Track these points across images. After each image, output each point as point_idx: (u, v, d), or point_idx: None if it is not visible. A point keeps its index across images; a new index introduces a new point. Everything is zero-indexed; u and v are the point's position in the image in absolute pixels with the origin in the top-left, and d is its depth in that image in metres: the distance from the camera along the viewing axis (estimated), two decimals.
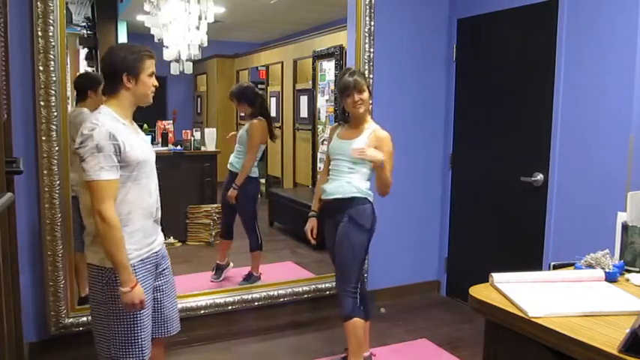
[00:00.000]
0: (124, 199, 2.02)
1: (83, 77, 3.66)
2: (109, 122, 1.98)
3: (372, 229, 2.76)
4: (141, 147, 2.07)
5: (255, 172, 3.96)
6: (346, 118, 2.83)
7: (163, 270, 2.24)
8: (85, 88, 3.42)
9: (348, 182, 2.72)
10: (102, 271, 2.03)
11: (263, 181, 7.49)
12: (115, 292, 2.01)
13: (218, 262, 4.09)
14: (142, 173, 2.06)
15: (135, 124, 2.16)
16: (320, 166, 6.31)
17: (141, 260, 2.08)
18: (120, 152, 1.96)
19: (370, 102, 2.83)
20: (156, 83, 2.11)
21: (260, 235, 4.02)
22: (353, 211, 2.71)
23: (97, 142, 1.92)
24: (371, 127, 2.78)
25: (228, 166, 4.03)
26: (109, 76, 2.07)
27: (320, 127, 6.34)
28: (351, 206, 2.72)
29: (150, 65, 2.08)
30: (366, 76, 2.82)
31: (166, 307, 2.25)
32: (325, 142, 6.17)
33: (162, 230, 2.29)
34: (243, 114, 4.13)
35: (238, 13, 6.61)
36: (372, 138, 2.72)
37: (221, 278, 4.03)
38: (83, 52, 6.46)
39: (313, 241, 2.91)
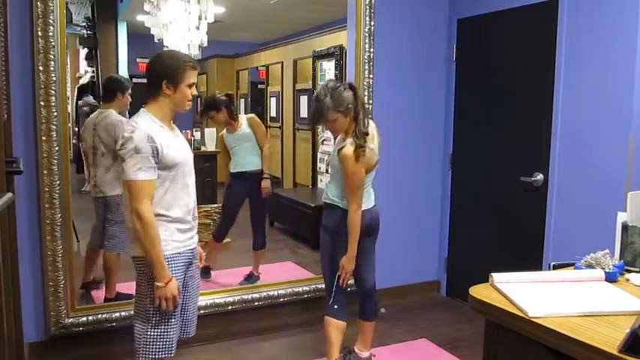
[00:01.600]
0: (163, 198, 2.11)
1: (112, 80, 3.76)
2: (148, 125, 2.08)
3: None
4: (179, 148, 2.16)
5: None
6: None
7: (193, 269, 2.29)
8: (113, 90, 3.56)
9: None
10: (145, 261, 2.11)
11: None
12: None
13: (209, 264, 4.01)
14: (180, 173, 2.15)
15: (175, 126, 2.25)
16: (320, 166, 6.31)
17: (177, 254, 2.16)
18: (158, 154, 2.05)
19: (368, 102, 2.78)
20: (195, 93, 2.19)
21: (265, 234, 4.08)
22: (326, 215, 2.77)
23: (136, 144, 2.01)
24: (347, 142, 2.59)
25: (245, 166, 4.03)
26: (150, 80, 2.16)
27: (320, 127, 6.34)
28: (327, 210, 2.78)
29: (191, 76, 2.15)
30: (329, 99, 2.54)
31: (189, 308, 2.30)
32: (326, 142, 6.17)
33: None
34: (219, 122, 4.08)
35: (238, 13, 6.61)
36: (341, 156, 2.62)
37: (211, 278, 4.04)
38: (83, 52, 6.47)
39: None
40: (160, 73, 2.13)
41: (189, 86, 2.16)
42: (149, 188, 2.05)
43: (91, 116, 3.64)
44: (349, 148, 2.53)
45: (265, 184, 3.92)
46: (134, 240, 2.13)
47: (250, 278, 3.94)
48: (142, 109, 2.16)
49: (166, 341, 2.16)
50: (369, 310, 2.87)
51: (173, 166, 2.11)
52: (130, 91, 3.60)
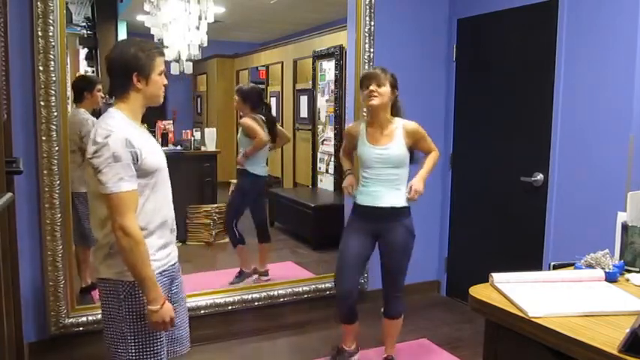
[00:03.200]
0: (142, 210, 1.85)
1: (79, 79, 3.82)
2: (124, 127, 1.81)
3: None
4: (156, 152, 1.93)
5: (263, 171, 4.03)
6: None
7: (176, 286, 2.05)
8: (80, 89, 3.56)
9: (398, 189, 2.71)
10: (119, 285, 1.84)
11: None
12: (134, 308, 1.85)
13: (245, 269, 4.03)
14: (160, 180, 1.93)
15: (144, 127, 2.03)
16: (320, 166, 6.32)
17: (159, 273, 1.90)
18: (137, 160, 1.80)
19: (397, 102, 2.78)
20: (165, 82, 1.95)
21: None
22: (408, 221, 2.75)
23: (113, 150, 1.74)
24: (399, 125, 2.71)
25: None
26: (117, 75, 1.88)
27: (320, 127, 6.34)
28: (405, 215, 2.74)
29: (160, 63, 1.91)
30: (391, 72, 2.71)
31: (177, 325, 2.00)
32: (326, 142, 6.17)
33: None
34: (242, 113, 4.13)
35: (238, 13, 6.61)
36: (405, 136, 2.69)
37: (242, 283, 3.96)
38: (83, 52, 6.47)
39: (350, 195, 2.85)
40: (127, 65, 1.85)
41: (160, 74, 1.91)
42: (133, 200, 1.79)
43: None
44: (410, 122, 2.74)
45: (240, 158, 3.98)
46: (106, 258, 1.87)
47: (240, 276, 3.93)
48: (111, 109, 1.89)
49: None
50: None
51: (153, 173, 1.87)
52: (99, 87, 3.61)
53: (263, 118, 3.98)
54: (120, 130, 1.79)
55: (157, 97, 1.95)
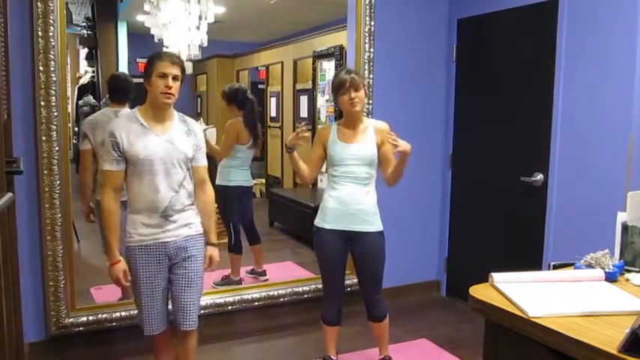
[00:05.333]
0: (129, 190, 2.31)
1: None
2: (119, 121, 2.30)
3: None
4: (150, 146, 2.25)
5: (236, 181, 3.94)
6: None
7: (177, 263, 2.38)
8: (127, 90, 3.51)
9: (368, 192, 2.70)
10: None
11: (263, 181, 7.50)
12: (130, 266, 2.34)
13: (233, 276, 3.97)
14: (145, 171, 2.26)
15: (166, 124, 2.33)
16: None
17: (144, 246, 2.31)
18: (119, 147, 2.24)
19: (369, 103, 2.80)
20: (168, 84, 2.23)
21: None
22: (378, 224, 2.73)
23: (104, 137, 2.29)
24: (370, 124, 2.76)
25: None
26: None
27: (320, 127, 6.34)
28: (376, 218, 2.73)
29: (159, 66, 2.23)
30: (365, 76, 2.76)
31: (178, 300, 2.39)
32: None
33: None
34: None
35: (238, 13, 6.61)
36: (375, 133, 2.72)
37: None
38: (83, 52, 6.48)
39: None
40: (144, 72, 2.28)
41: (161, 76, 2.23)
42: (111, 179, 2.27)
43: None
44: (381, 122, 2.78)
45: None
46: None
47: (226, 280, 3.88)
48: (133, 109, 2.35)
49: (143, 319, 2.37)
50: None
51: (136, 162, 2.24)
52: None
53: (241, 119, 3.88)
54: (112, 124, 2.30)
55: (156, 98, 2.26)
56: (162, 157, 2.27)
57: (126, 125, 2.26)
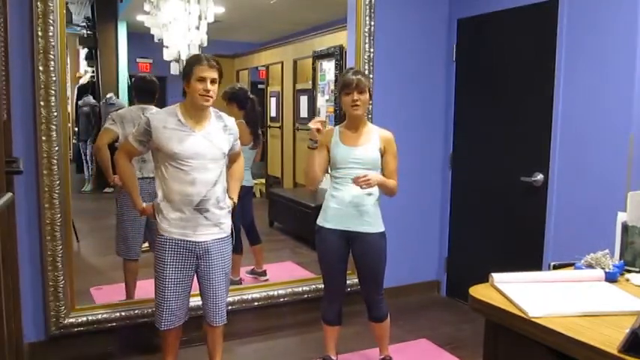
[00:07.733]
0: (164, 181, 2.42)
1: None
2: (158, 114, 2.48)
3: None
4: (185, 142, 2.37)
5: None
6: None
7: (203, 264, 2.49)
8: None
9: (370, 193, 2.70)
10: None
11: (263, 181, 7.50)
12: (157, 260, 2.47)
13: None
14: (181, 165, 2.38)
15: (203, 123, 2.45)
16: None
17: (172, 240, 2.43)
18: (150, 136, 2.40)
19: (369, 104, 2.77)
20: (206, 87, 2.35)
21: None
22: (380, 225, 2.74)
23: (139, 122, 2.50)
24: (374, 130, 2.76)
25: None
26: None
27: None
28: (378, 219, 2.74)
29: (198, 71, 2.35)
30: (368, 76, 2.74)
31: (208, 297, 2.54)
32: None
33: None
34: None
35: (238, 13, 6.61)
36: (380, 140, 2.72)
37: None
38: (83, 52, 6.48)
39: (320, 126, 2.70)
40: (183, 73, 2.44)
41: (200, 80, 2.34)
42: (130, 150, 2.48)
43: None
44: (388, 131, 2.78)
45: None
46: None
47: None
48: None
49: (162, 313, 2.46)
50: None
51: (172, 156, 2.37)
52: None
53: (242, 120, 3.85)
54: (151, 114, 2.49)
55: (196, 100, 2.38)
56: (198, 153, 2.39)
57: (164, 118, 2.41)
